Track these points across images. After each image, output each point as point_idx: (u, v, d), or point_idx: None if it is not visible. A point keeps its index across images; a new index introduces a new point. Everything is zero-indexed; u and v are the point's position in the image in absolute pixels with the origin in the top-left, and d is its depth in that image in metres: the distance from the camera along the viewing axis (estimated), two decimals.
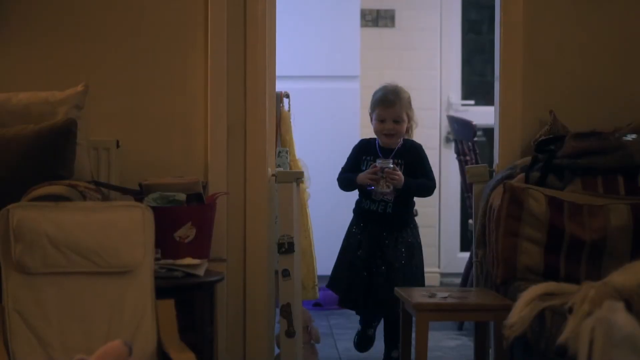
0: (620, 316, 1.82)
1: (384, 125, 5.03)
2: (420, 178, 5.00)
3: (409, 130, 5.09)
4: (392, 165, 4.92)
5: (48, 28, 4.67)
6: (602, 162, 4.37)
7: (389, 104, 5.03)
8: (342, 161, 5.21)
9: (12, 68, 4.65)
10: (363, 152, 5.10)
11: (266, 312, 4.74)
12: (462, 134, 6.26)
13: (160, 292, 3.41)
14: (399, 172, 4.92)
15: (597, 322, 1.82)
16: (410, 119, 5.07)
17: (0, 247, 3.25)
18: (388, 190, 4.90)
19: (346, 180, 5.11)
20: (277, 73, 4.89)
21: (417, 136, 5.22)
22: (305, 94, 6.55)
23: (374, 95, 5.13)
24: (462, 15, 7.60)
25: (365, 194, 5.06)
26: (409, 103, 5.09)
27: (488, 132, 6.87)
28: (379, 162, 4.94)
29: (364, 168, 5.04)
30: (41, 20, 4.66)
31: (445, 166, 7.44)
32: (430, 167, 5.08)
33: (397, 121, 5.02)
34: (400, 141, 5.06)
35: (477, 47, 7.74)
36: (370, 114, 5.11)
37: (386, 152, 5.04)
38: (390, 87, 5.12)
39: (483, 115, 6.99)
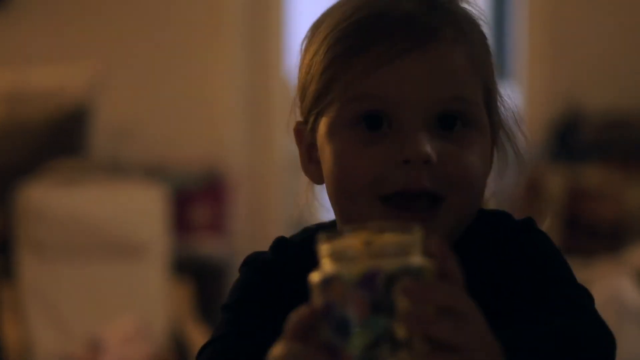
0: (629, 293, 1.83)
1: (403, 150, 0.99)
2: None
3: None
4: (417, 263, 0.79)
5: (66, 9, 4.68)
6: (621, 143, 4.37)
7: (416, 41, 0.98)
8: None
9: (29, 50, 4.67)
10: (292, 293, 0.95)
11: None
12: None
13: (176, 270, 3.42)
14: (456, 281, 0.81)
15: (607, 299, 1.82)
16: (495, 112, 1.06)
17: (17, 228, 3.27)
18: None
19: None
20: None
21: None
22: None
23: (328, 32, 1.08)
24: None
25: None
26: (487, 51, 1.04)
27: None
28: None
29: None
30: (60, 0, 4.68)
31: None
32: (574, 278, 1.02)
33: (460, 103, 1.00)
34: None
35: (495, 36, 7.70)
36: (305, 114, 1.09)
37: None
38: None
39: None
